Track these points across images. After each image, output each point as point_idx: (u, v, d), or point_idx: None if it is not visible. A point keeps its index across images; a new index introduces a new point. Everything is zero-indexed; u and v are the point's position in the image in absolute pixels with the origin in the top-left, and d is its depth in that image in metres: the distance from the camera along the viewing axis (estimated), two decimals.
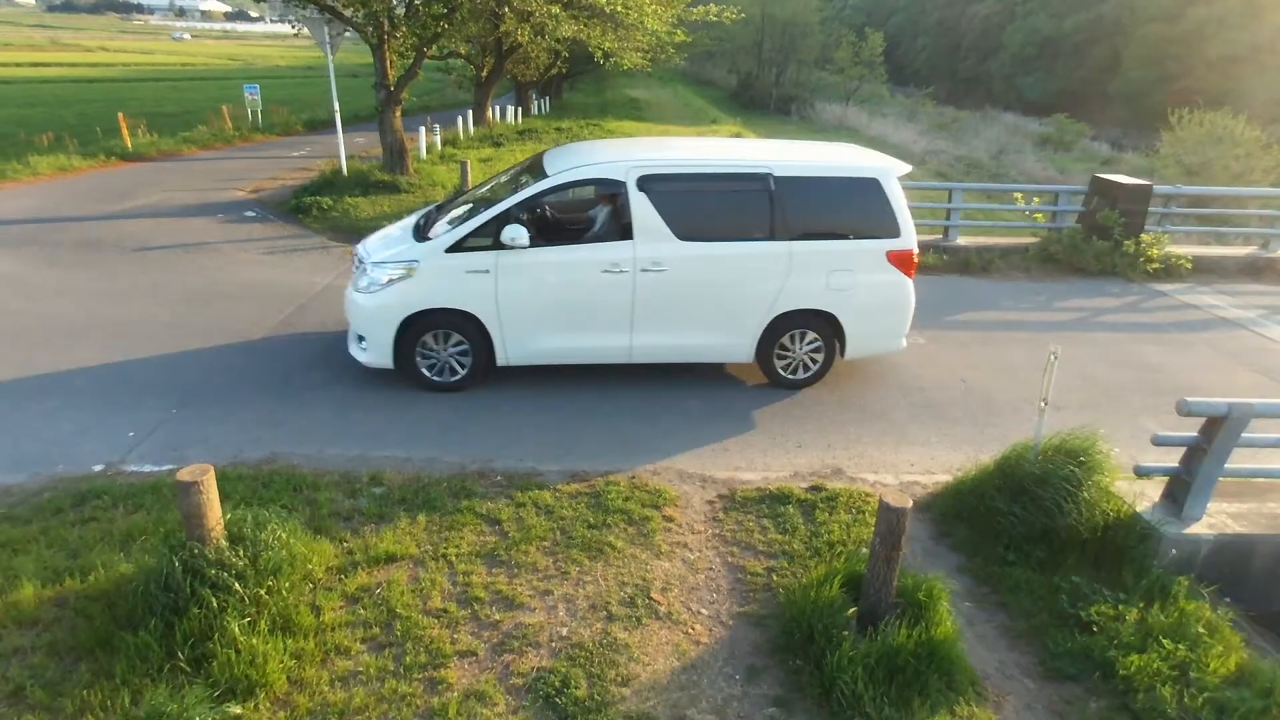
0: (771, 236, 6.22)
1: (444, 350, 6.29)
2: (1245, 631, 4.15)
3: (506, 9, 13.80)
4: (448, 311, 6.10)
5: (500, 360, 6.31)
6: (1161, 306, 9.47)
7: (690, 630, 3.94)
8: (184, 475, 3.41)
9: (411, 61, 14.42)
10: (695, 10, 23.21)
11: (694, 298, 6.26)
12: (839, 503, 5.03)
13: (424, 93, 38.51)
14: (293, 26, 14.22)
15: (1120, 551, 4.47)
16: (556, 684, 3.47)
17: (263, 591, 3.51)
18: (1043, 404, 4.72)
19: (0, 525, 4.33)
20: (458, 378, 6.37)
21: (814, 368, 6.69)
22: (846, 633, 3.65)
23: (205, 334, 7.40)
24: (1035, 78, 57.80)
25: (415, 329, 6.14)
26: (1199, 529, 4.54)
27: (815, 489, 5.19)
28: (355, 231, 11.34)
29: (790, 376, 6.70)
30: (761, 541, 4.67)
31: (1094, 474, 4.60)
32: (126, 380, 6.37)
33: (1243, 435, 4.41)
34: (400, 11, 13.23)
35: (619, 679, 3.56)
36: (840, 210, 6.39)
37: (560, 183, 6.10)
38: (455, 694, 3.40)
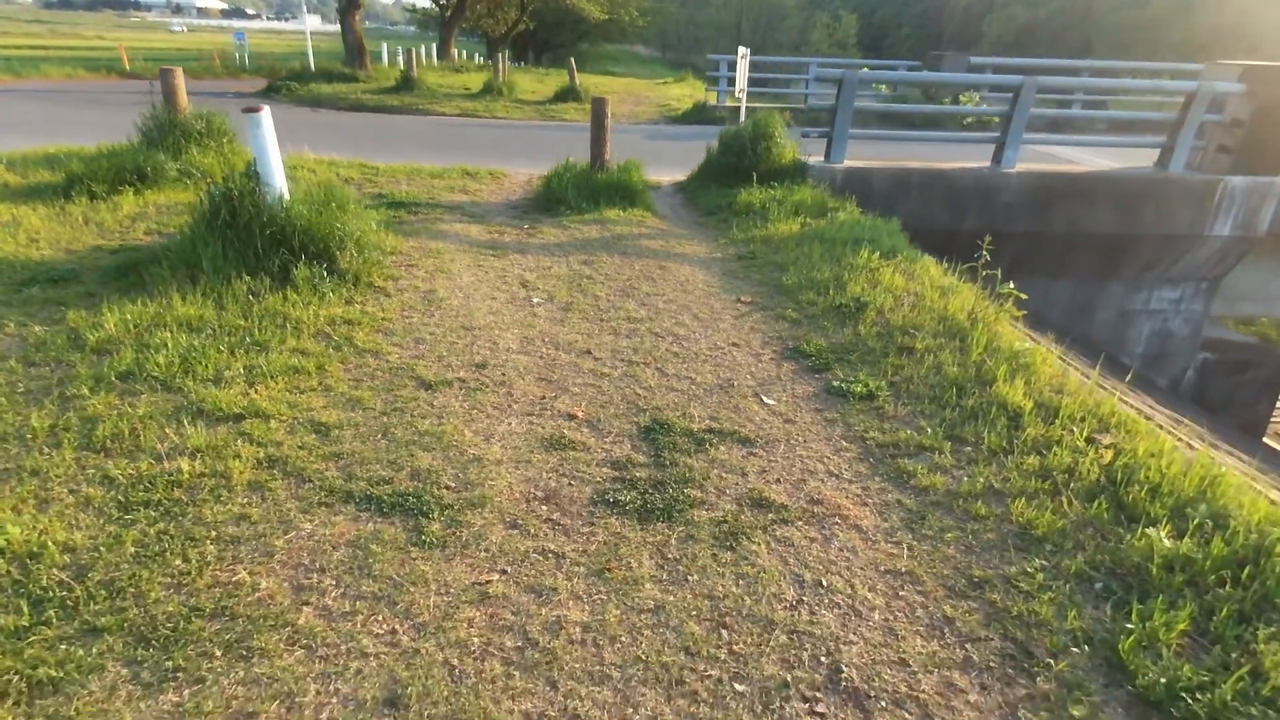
0: None
1: None
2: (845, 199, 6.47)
3: None
4: None
5: None
6: None
7: (487, 200, 6.28)
8: (164, 68, 5.73)
9: None
10: None
11: None
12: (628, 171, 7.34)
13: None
14: None
15: (785, 176, 6.80)
16: (400, 196, 5.83)
17: (208, 140, 5.86)
18: (740, 93, 7.05)
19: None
20: None
21: None
22: (571, 175, 5.99)
23: None
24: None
25: None
26: (838, 166, 6.88)
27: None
28: (315, 102, 13.73)
29: None
30: None
31: (772, 134, 6.93)
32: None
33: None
34: None
35: (438, 202, 5.91)
36: None
37: None
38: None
